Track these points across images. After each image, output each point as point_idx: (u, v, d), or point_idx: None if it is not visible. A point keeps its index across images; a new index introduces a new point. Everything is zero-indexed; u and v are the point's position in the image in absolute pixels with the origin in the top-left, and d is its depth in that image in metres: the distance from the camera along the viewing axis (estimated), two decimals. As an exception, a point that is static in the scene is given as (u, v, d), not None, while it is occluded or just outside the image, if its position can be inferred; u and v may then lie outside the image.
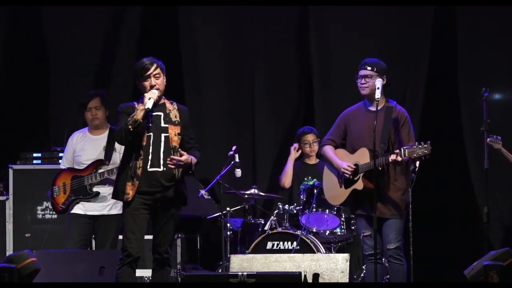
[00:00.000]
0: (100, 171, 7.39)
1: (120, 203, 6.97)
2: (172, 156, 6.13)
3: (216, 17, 9.24)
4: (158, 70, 6.21)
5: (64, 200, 7.47)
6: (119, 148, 7.29)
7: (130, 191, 6.14)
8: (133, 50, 9.16)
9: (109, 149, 7.44)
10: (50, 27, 9.25)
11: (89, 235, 7.48)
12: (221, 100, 9.27)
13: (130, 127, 6.08)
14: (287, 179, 8.39)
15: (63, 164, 7.61)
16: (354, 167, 6.61)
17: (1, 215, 8.29)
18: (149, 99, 6.12)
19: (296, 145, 8.45)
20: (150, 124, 6.17)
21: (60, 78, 9.25)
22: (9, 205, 8.30)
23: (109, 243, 7.41)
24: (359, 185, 6.61)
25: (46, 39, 9.25)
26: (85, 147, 7.51)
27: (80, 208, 7.45)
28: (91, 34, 9.24)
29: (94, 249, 7.59)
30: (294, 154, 8.44)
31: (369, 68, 6.63)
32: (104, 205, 7.44)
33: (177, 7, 9.18)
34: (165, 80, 6.27)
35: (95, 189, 7.42)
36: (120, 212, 7.15)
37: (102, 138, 7.53)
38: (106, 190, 7.40)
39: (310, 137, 8.36)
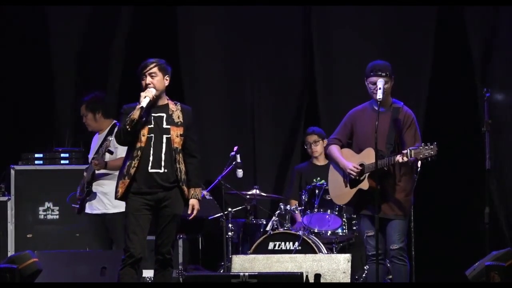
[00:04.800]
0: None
1: (117, 202, 7.02)
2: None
3: (216, 17, 9.24)
4: (154, 69, 6.18)
5: (78, 200, 7.59)
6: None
7: (120, 189, 6.16)
8: (132, 50, 9.16)
9: (100, 147, 7.50)
10: (50, 26, 9.25)
11: (100, 233, 7.53)
12: (222, 100, 9.27)
13: (127, 127, 6.08)
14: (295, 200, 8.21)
15: None
16: (360, 167, 6.60)
17: (2, 216, 8.30)
18: (145, 97, 6.11)
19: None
20: (150, 124, 6.14)
21: (61, 78, 9.25)
22: (11, 205, 8.30)
23: (99, 243, 7.51)
24: (364, 185, 6.60)
25: (45, 38, 9.26)
26: (92, 146, 7.68)
27: (88, 207, 7.55)
28: (91, 33, 9.26)
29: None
30: None
31: (383, 74, 6.56)
32: (102, 203, 7.49)
33: (176, 7, 9.18)
34: (166, 80, 6.25)
35: (92, 187, 7.48)
36: (116, 211, 7.30)
37: (102, 137, 7.60)
38: (98, 188, 7.48)
39: (310, 138, 8.31)
